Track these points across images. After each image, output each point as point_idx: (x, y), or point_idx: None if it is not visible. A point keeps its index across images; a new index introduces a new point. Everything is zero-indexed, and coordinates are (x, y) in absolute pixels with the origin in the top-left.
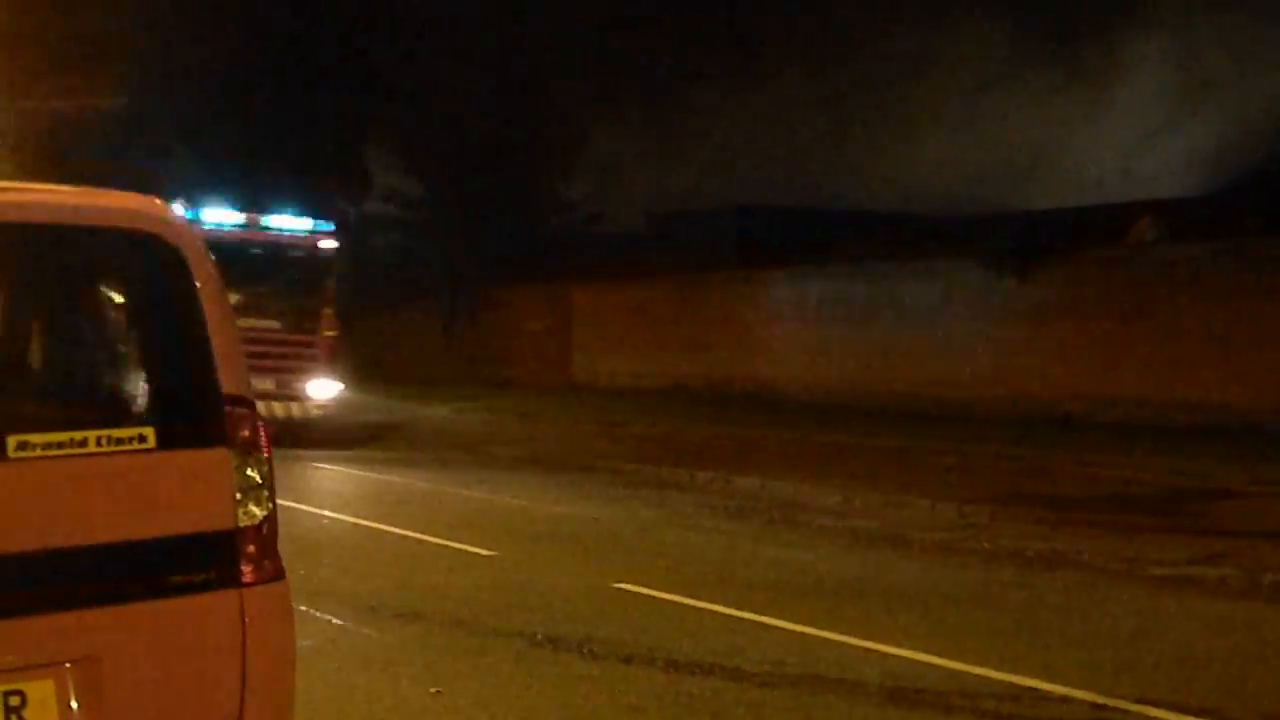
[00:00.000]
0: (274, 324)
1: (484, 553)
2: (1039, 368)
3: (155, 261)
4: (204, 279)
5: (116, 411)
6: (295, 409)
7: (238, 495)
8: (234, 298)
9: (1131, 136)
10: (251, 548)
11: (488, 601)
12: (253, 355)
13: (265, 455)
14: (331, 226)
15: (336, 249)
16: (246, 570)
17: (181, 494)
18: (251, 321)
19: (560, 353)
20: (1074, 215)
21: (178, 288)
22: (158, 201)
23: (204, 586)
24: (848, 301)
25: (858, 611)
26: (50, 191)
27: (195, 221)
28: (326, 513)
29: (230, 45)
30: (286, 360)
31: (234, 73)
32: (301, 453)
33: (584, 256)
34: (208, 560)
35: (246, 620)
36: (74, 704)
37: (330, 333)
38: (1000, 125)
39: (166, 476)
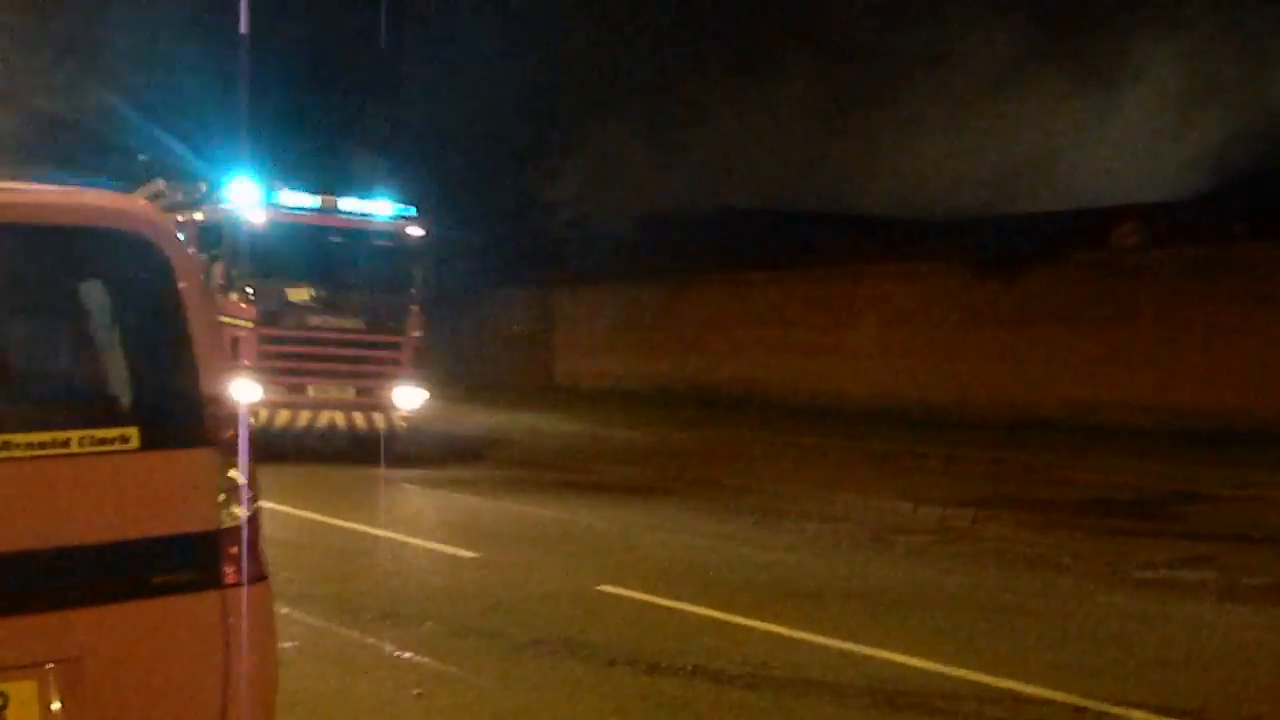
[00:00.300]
0: (356, 323)
1: (467, 554)
2: (1023, 371)
3: (138, 261)
4: (187, 279)
5: (100, 412)
6: (378, 420)
7: (221, 496)
8: (311, 293)
9: (1138, 140)
10: (234, 549)
11: (471, 604)
12: (331, 359)
13: (249, 456)
14: (417, 212)
15: (425, 237)
16: (229, 571)
17: (164, 495)
18: (330, 320)
19: (543, 355)
20: (1059, 219)
21: (161, 287)
22: (141, 201)
23: (187, 587)
24: (832, 305)
25: (840, 614)
26: (33, 191)
27: (271, 205)
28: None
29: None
30: (369, 364)
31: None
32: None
33: (568, 258)
34: (191, 561)
35: (229, 621)
36: (56, 705)
37: (418, 333)
38: (1003, 128)
39: (149, 477)
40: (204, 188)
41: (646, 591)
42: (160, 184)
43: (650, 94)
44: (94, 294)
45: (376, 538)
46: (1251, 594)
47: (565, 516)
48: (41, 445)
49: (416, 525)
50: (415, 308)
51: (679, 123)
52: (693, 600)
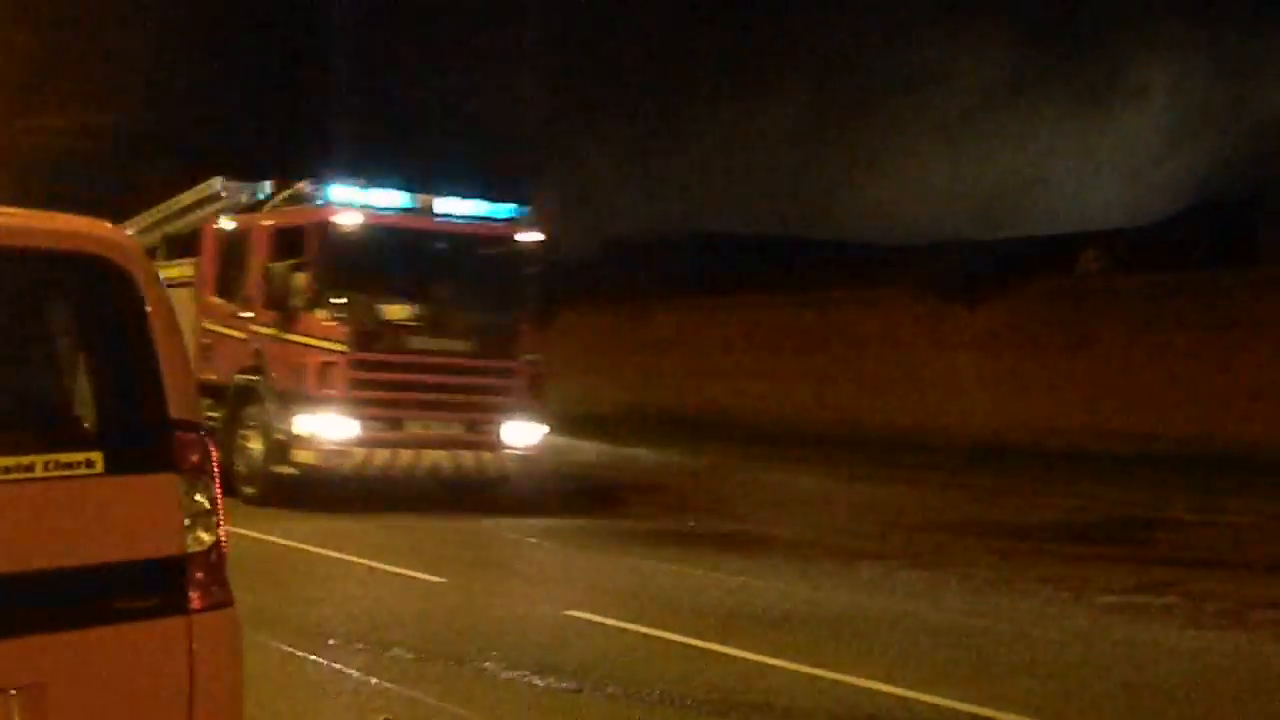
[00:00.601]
0: (463, 345)
1: (434, 579)
2: (987, 397)
3: (104, 284)
4: (153, 302)
5: (64, 436)
6: (489, 460)
7: (186, 521)
8: (410, 310)
9: (1120, 166)
10: (200, 574)
11: (437, 629)
12: (436, 388)
13: (214, 480)
14: (527, 212)
15: (540, 243)
16: (194, 597)
17: (129, 519)
18: (434, 343)
19: None
20: (1025, 245)
21: (127, 311)
22: (108, 224)
23: (152, 613)
24: (798, 329)
25: (808, 639)
26: None
27: (361, 206)
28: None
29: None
30: (479, 395)
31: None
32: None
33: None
34: (155, 586)
35: (194, 647)
36: None
37: (533, 356)
38: (984, 154)
39: (114, 502)
40: (269, 187)
41: (614, 617)
42: (217, 183)
43: (626, 116)
44: (60, 317)
45: (342, 562)
46: (1215, 619)
47: (531, 540)
48: (5, 470)
49: (382, 550)
50: (530, 326)
51: (655, 146)
52: (660, 625)
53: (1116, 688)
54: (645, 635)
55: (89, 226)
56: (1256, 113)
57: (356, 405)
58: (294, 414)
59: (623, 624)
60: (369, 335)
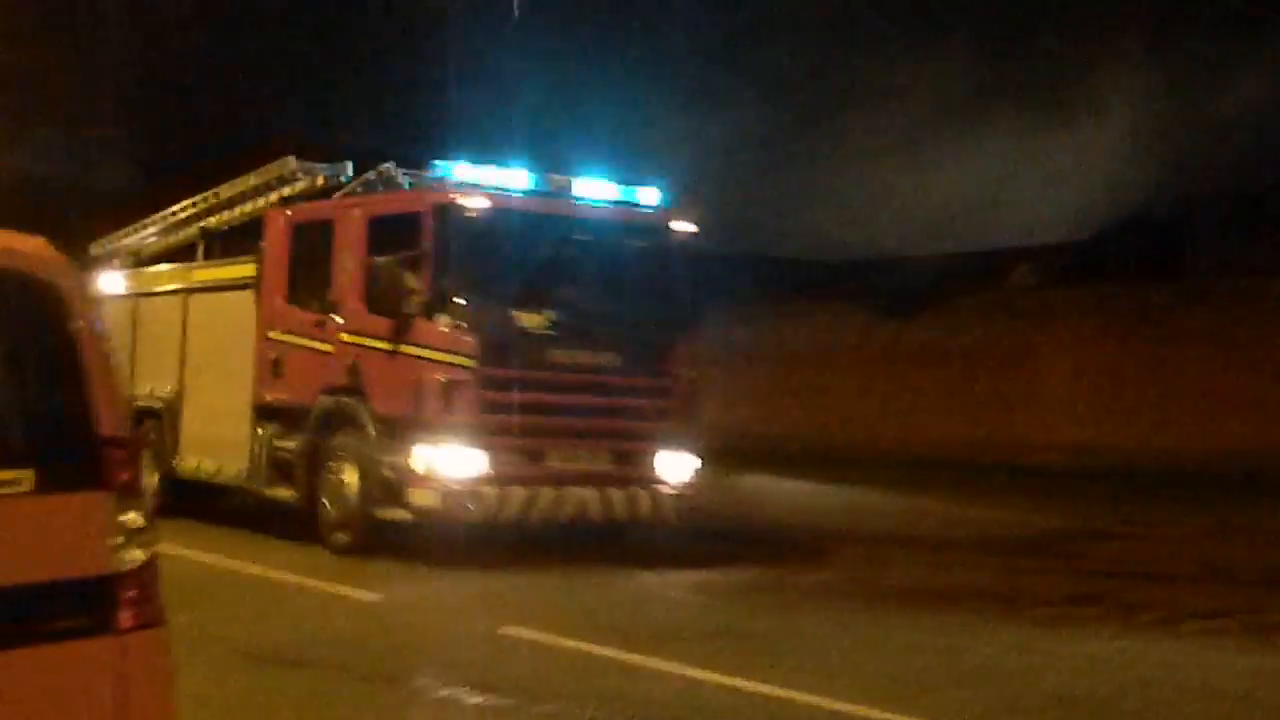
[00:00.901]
0: (611, 359)
1: (369, 597)
2: (923, 411)
3: (30, 300)
4: (82, 317)
5: None
6: (642, 501)
7: (117, 539)
8: (548, 317)
9: (1064, 182)
10: (132, 592)
11: (373, 646)
12: (580, 411)
13: (146, 498)
14: (677, 201)
15: (695, 234)
16: (126, 616)
17: (60, 538)
18: (578, 356)
19: None
20: (959, 260)
21: (54, 327)
22: (35, 239)
23: (83, 632)
24: (732, 345)
25: (742, 654)
26: None
27: (480, 189)
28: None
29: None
30: (628, 420)
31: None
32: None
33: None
34: (86, 605)
35: (127, 667)
36: None
37: (690, 371)
38: (935, 169)
39: (44, 520)
40: (349, 168)
41: (550, 633)
42: (292, 163)
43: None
44: None
45: (275, 580)
46: (1146, 629)
47: (476, 557)
48: None
49: (317, 568)
50: (687, 336)
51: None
52: (596, 641)
53: (1048, 699)
54: (580, 651)
55: (14, 242)
56: (1191, 128)
57: (488, 433)
58: (407, 445)
59: (558, 640)
60: (501, 347)
